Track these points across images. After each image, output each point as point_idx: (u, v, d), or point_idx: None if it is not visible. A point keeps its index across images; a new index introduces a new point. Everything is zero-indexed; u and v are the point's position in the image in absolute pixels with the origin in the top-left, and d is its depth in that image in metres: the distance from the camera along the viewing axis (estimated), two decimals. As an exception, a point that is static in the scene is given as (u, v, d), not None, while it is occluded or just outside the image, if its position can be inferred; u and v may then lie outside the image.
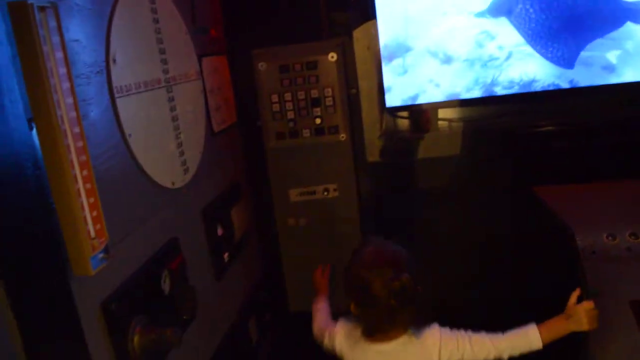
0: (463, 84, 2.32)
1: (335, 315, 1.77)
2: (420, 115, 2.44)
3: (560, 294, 1.55)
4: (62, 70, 0.97)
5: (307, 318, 2.46)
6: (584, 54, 2.24)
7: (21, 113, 0.92)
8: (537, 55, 2.26)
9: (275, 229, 2.37)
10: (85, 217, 1.00)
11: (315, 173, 2.27)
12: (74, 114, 1.00)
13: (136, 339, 1.26)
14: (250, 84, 2.22)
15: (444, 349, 1.50)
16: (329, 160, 2.25)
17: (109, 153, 1.27)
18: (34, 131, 0.96)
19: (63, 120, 0.96)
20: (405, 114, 2.43)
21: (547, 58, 2.26)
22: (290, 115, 2.21)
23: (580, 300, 1.50)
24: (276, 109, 2.22)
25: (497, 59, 2.29)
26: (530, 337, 1.48)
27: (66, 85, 0.98)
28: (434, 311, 1.56)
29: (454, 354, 1.50)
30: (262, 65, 2.18)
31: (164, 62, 1.59)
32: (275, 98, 2.20)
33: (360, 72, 2.28)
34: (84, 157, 1.02)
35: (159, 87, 1.55)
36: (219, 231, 1.91)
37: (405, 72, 2.33)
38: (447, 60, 2.31)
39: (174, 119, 1.62)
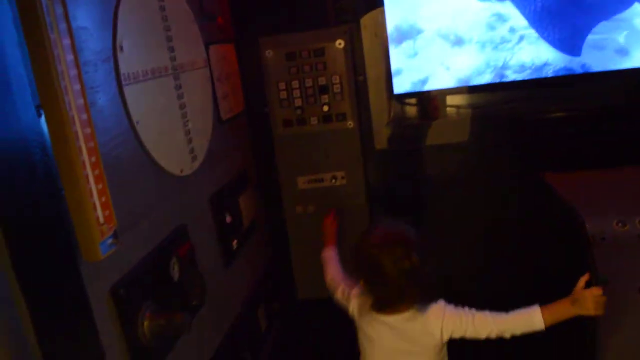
0: (474, 67, 2.30)
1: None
2: (428, 102, 2.42)
3: (569, 280, 1.55)
4: (70, 57, 0.97)
5: (315, 305, 2.49)
6: (593, 37, 2.21)
7: (29, 100, 0.93)
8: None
9: (283, 216, 2.38)
10: (93, 203, 1.01)
11: (323, 160, 2.27)
12: (81, 100, 1.00)
13: (146, 324, 1.28)
14: (258, 72, 2.22)
15: (446, 325, 1.55)
16: (336, 148, 2.26)
17: (117, 140, 1.27)
18: (42, 118, 0.97)
19: (71, 106, 0.96)
20: (413, 100, 2.42)
21: (550, 43, 2.23)
22: (298, 102, 2.21)
23: (588, 286, 1.50)
24: (283, 97, 2.22)
25: (508, 41, 2.26)
26: (533, 318, 1.51)
27: (73, 72, 0.98)
28: (440, 290, 1.61)
29: (457, 330, 1.56)
30: (269, 53, 2.18)
31: (171, 49, 1.59)
32: (282, 85, 2.20)
33: (367, 59, 2.27)
34: (92, 144, 1.02)
35: (166, 75, 1.55)
36: (227, 218, 1.92)
37: (415, 54, 2.31)
38: (458, 42, 2.28)
39: (182, 106, 1.62)
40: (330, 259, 1.94)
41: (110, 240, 1.07)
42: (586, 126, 2.27)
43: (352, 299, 1.71)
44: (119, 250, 1.15)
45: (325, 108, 2.20)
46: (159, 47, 1.53)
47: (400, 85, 2.35)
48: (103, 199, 1.04)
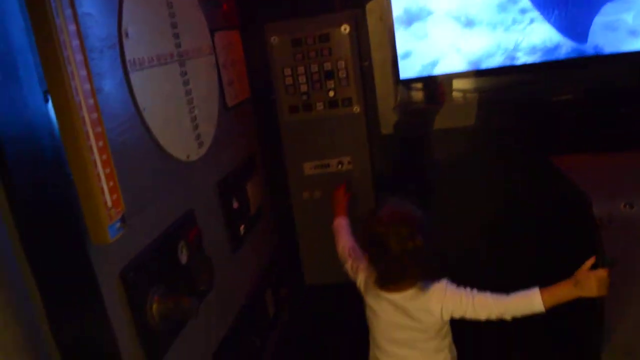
0: (485, 49, 2.28)
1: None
2: (434, 86, 2.42)
3: (577, 262, 1.55)
4: (75, 42, 0.98)
5: (322, 291, 2.51)
6: (605, 18, 2.17)
7: (36, 86, 0.94)
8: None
9: (290, 202, 2.39)
10: (101, 187, 1.02)
11: (329, 146, 2.28)
12: (87, 86, 1.01)
13: (154, 307, 1.30)
14: (263, 58, 2.22)
15: (446, 304, 1.58)
16: (342, 133, 2.26)
17: (124, 126, 1.28)
18: (50, 103, 0.98)
19: (77, 91, 0.97)
20: (419, 85, 2.42)
21: (556, 27, 2.21)
22: (304, 88, 2.21)
23: (595, 268, 1.50)
24: (289, 83, 2.22)
25: (520, 23, 2.24)
26: (532, 300, 1.52)
27: (79, 57, 0.99)
28: (445, 271, 1.63)
29: (457, 310, 1.58)
30: (274, 39, 2.18)
31: (176, 36, 1.59)
32: (288, 72, 2.21)
33: (373, 44, 2.26)
34: (99, 129, 1.03)
35: (172, 62, 1.55)
36: (235, 204, 1.93)
37: (425, 36, 2.29)
38: (469, 24, 2.26)
39: (188, 93, 1.63)
40: (342, 228, 1.97)
41: (118, 224, 1.09)
42: (594, 109, 2.26)
43: (359, 272, 1.76)
44: (127, 235, 1.17)
45: (331, 93, 2.20)
46: (164, 34, 1.53)
47: (411, 68, 2.33)
48: (111, 184, 1.06)
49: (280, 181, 2.37)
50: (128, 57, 1.31)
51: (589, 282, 1.47)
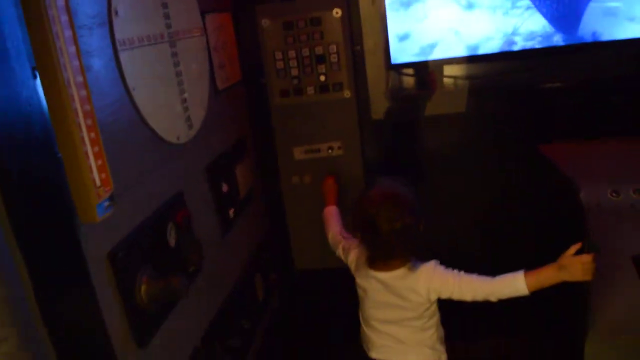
0: (483, 32, 2.26)
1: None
2: (426, 73, 2.41)
3: (564, 249, 1.57)
4: (64, 17, 0.97)
5: (312, 275, 2.52)
6: (604, 5, 2.17)
7: (25, 60, 0.93)
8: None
9: (279, 186, 2.39)
10: (90, 166, 1.02)
11: (319, 131, 2.28)
12: (76, 62, 1.00)
13: (143, 288, 1.29)
14: (255, 41, 2.21)
15: (434, 285, 1.63)
16: (333, 118, 2.26)
17: (114, 106, 1.27)
18: (38, 80, 0.97)
19: (66, 68, 0.96)
20: (411, 70, 2.41)
21: (546, 17, 2.21)
22: (295, 72, 2.21)
23: (580, 253, 1.53)
24: (280, 67, 2.21)
25: (519, 7, 2.23)
26: (516, 283, 1.56)
27: (68, 33, 0.98)
28: (435, 254, 1.68)
29: (443, 291, 1.63)
30: (265, 22, 2.17)
31: (167, 16, 1.57)
32: (279, 55, 2.20)
33: (365, 28, 2.25)
34: (87, 107, 1.02)
35: (162, 42, 1.54)
36: (224, 187, 1.92)
37: (425, 18, 2.27)
38: (469, 6, 2.25)
39: (178, 74, 1.62)
40: (332, 216, 2.01)
41: (107, 203, 1.08)
42: (584, 97, 2.27)
43: (350, 253, 1.81)
44: (115, 215, 1.16)
45: (322, 78, 2.20)
46: (155, 14, 1.51)
47: (409, 50, 2.31)
48: (99, 162, 1.05)
49: (270, 165, 2.37)
50: (118, 36, 1.30)
51: (574, 266, 1.50)
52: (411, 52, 2.32)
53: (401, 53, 2.32)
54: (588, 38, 2.23)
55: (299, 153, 2.31)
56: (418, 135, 2.45)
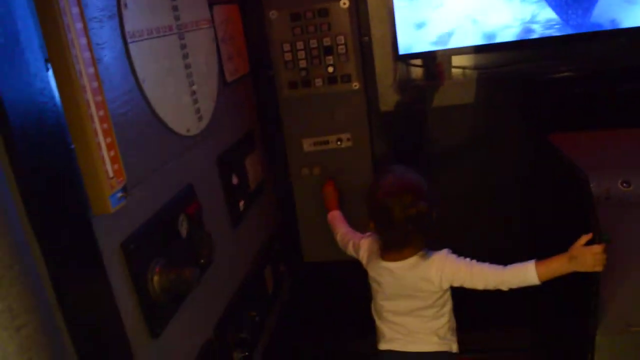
0: (501, 20, 2.23)
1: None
2: (434, 63, 2.40)
3: (574, 240, 1.57)
4: (75, 9, 0.97)
5: (321, 268, 2.52)
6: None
7: (38, 52, 0.93)
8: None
9: (289, 179, 2.39)
10: (102, 157, 1.02)
11: (328, 123, 2.27)
12: (88, 54, 1.00)
13: (156, 279, 1.30)
14: (262, 33, 2.21)
15: (445, 274, 1.64)
16: (342, 110, 2.25)
17: (124, 98, 1.28)
18: (50, 72, 0.97)
19: (77, 59, 0.97)
20: (419, 61, 2.40)
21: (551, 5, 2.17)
22: (303, 64, 2.20)
23: (591, 244, 1.52)
24: (288, 58, 2.21)
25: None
26: (527, 273, 1.57)
27: (79, 25, 0.98)
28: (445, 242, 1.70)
29: (455, 280, 1.65)
30: (273, 14, 2.17)
31: (175, 8, 1.58)
32: (287, 47, 2.20)
33: (373, 19, 2.24)
34: (99, 98, 1.03)
35: (171, 34, 1.54)
36: (234, 180, 1.93)
37: (441, 5, 2.24)
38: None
39: (187, 66, 1.62)
40: (337, 219, 2.05)
41: (119, 194, 1.09)
42: (594, 86, 2.25)
43: (361, 247, 1.84)
44: (128, 206, 1.17)
45: (330, 69, 2.19)
46: (163, 6, 1.52)
47: (425, 38, 2.28)
48: (112, 153, 1.06)
49: (279, 158, 2.37)
50: (127, 28, 1.30)
51: (584, 257, 1.50)
52: (428, 40, 2.29)
53: (417, 41, 2.29)
54: (606, 25, 2.19)
55: (308, 145, 2.31)
56: (426, 126, 2.44)
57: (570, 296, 1.85)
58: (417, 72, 2.44)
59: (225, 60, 1.98)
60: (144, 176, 1.34)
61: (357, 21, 2.18)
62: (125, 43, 1.30)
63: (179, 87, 1.57)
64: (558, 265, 1.55)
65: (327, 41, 2.16)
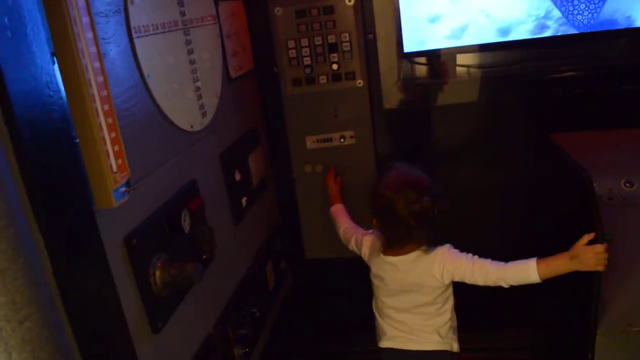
0: (515, 15, 2.21)
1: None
2: (438, 62, 2.40)
3: (574, 239, 1.57)
4: (82, 3, 0.97)
5: (322, 265, 2.52)
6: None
7: (45, 45, 0.93)
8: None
9: (292, 176, 2.39)
10: (107, 151, 1.03)
11: (331, 120, 2.27)
12: (94, 48, 1.01)
13: (158, 273, 1.31)
14: (267, 30, 2.21)
15: (447, 268, 1.65)
16: (345, 107, 2.25)
17: (129, 93, 1.28)
18: (56, 65, 0.98)
19: (84, 54, 0.97)
20: (423, 60, 2.40)
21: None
22: (307, 61, 2.20)
23: (593, 244, 1.52)
24: (293, 55, 2.21)
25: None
26: (528, 270, 1.58)
27: (86, 19, 0.99)
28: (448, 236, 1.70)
29: (457, 274, 1.66)
30: (278, 11, 2.16)
31: (181, 4, 1.58)
32: (291, 44, 2.19)
33: (377, 17, 2.23)
34: (104, 92, 1.03)
35: (176, 30, 1.54)
36: (237, 176, 1.93)
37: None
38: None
39: (192, 62, 1.62)
40: (339, 213, 2.06)
41: (123, 189, 1.09)
42: (597, 86, 2.25)
43: (363, 244, 1.85)
44: (131, 201, 1.17)
45: (335, 67, 2.19)
46: (169, 1, 1.52)
47: (439, 32, 2.26)
48: (116, 148, 1.06)
49: (282, 154, 2.37)
50: (133, 23, 1.30)
51: (586, 256, 1.50)
52: (442, 35, 2.27)
53: (431, 35, 2.27)
54: (612, 25, 2.17)
55: (311, 142, 2.31)
56: (430, 124, 2.43)
57: (570, 296, 1.85)
58: (421, 70, 2.44)
59: (230, 56, 1.98)
60: (148, 171, 1.34)
61: (362, 19, 2.17)
62: (131, 38, 1.30)
63: (184, 82, 1.58)
64: (559, 264, 1.55)
65: (331, 38, 2.16)
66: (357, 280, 1.96)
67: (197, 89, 1.65)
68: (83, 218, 1.06)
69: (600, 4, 2.15)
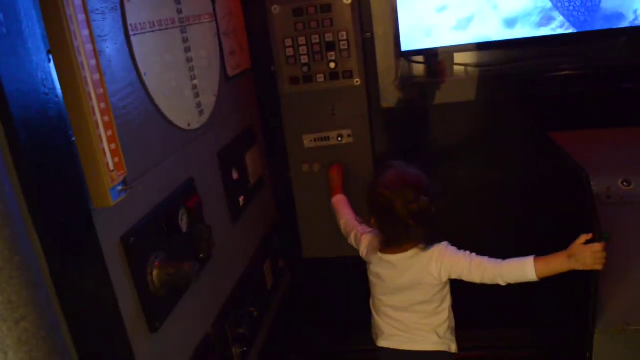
0: (521, 7, 2.20)
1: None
2: (436, 63, 2.39)
3: (573, 238, 1.57)
4: (78, 1, 0.97)
5: (320, 264, 2.52)
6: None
7: (40, 43, 0.93)
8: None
9: (289, 175, 2.38)
10: (103, 149, 1.02)
11: (329, 119, 2.27)
12: (90, 46, 1.00)
13: (155, 272, 1.30)
14: (264, 28, 2.20)
15: (445, 266, 1.65)
16: (343, 106, 2.25)
17: (126, 91, 1.27)
18: (52, 63, 0.97)
19: (80, 51, 0.96)
20: (420, 58, 2.39)
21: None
22: (304, 59, 2.20)
23: (591, 242, 1.52)
24: (290, 54, 2.20)
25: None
26: (526, 268, 1.57)
27: (82, 16, 0.98)
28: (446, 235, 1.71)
29: (454, 272, 1.66)
30: (275, 9, 2.16)
31: (178, 2, 1.57)
32: (289, 42, 2.19)
33: (375, 15, 2.23)
34: (101, 90, 1.02)
35: (173, 27, 1.54)
36: (234, 175, 1.93)
37: None
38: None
39: (189, 60, 1.62)
40: (341, 204, 2.04)
41: (120, 187, 1.08)
42: (596, 85, 2.24)
43: (362, 242, 1.84)
44: (129, 200, 1.16)
45: (332, 65, 2.19)
46: (166, -1, 1.51)
47: (445, 22, 2.25)
48: (113, 146, 1.05)
49: (279, 153, 2.37)
50: (130, 20, 1.30)
51: (584, 255, 1.50)
52: (448, 25, 2.26)
53: (437, 25, 2.26)
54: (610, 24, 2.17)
55: (308, 141, 2.30)
56: (428, 123, 2.43)
57: (569, 294, 1.85)
58: (418, 69, 2.43)
59: (227, 54, 1.97)
60: (145, 169, 1.34)
61: (360, 17, 2.17)
62: (128, 36, 1.29)
63: (181, 80, 1.57)
64: (557, 263, 1.55)
65: (329, 37, 2.16)
66: (355, 279, 1.96)
67: (194, 87, 1.65)
68: (80, 217, 1.05)
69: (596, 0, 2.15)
